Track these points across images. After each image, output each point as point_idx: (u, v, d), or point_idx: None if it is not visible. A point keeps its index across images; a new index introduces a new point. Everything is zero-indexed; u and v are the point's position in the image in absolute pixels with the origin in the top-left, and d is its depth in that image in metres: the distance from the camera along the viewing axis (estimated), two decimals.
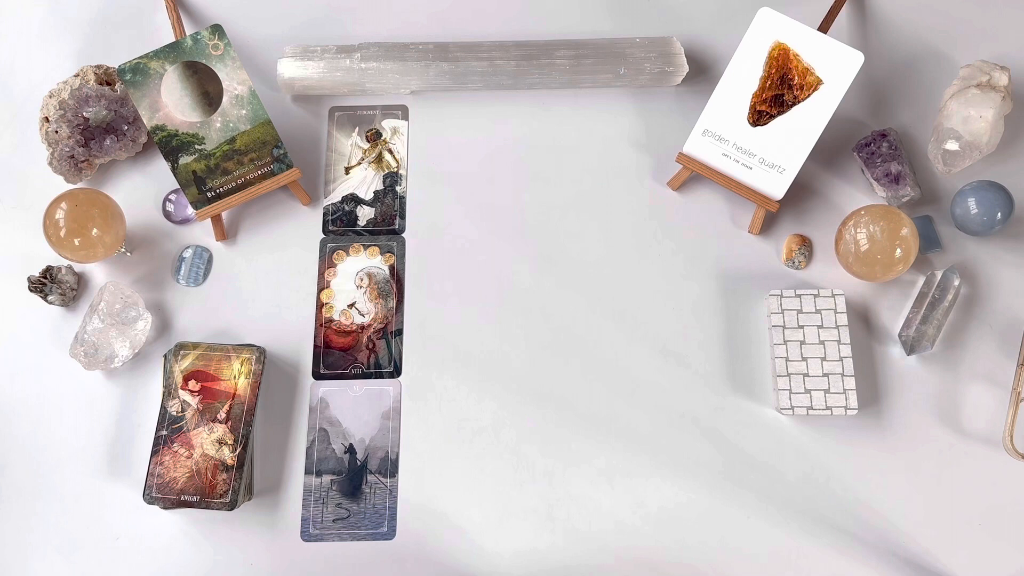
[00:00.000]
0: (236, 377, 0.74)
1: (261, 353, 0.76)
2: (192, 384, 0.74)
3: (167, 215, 0.83)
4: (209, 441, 0.73)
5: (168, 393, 0.74)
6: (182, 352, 0.75)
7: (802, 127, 0.78)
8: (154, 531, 0.74)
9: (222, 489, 0.71)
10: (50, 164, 0.82)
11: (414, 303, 0.80)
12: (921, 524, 0.72)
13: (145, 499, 0.71)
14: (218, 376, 0.74)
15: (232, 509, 0.71)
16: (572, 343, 0.78)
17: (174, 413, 0.73)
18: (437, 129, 0.86)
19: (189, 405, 0.74)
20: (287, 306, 0.80)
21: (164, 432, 0.73)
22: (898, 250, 0.74)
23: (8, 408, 0.78)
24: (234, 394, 0.74)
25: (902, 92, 0.85)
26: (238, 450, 0.72)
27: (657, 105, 0.86)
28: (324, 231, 0.82)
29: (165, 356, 0.75)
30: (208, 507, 0.71)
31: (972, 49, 0.85)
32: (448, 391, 0.77)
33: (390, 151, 0.85)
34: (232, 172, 0.80)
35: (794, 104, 0.78)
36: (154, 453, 0.72)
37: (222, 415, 0.73)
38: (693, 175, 0.81)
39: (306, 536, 0.74)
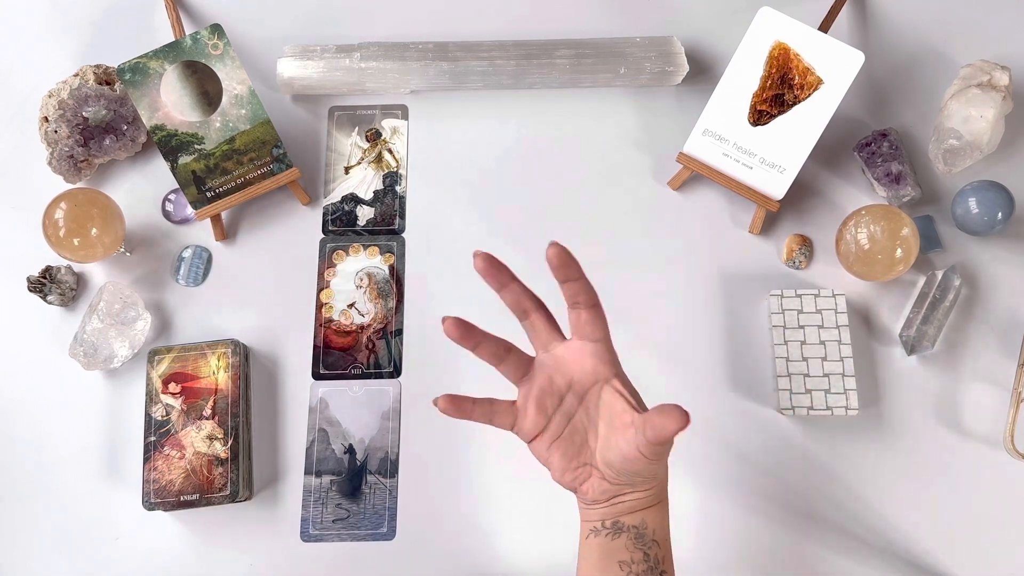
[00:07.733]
0: (215, 372, 0.74)
1: (237, 346, 0.76)
2: (172, 386, 0.74)
3: (166, 215, 0.83)
4: (199, 439, 0.73)
5: (150, 399, 0.74)
6: (157, 357, 0.75)
7: (803, 127, 0.78)
8: (154, 531, 0.74)
9: (220, 483, 0.71)
10: (49, 164, 0.82)
11: (414, 303, 0.80)
12: (921, 524, 0.72)
13: (145, 507, 0.71)
14: (196, 375, 0.74)
15: (234, 500, 0.71)
16: None
17: (159, 418, 0.73)
18: (437, 129, 0.86)
19: (173, 407, 0.73)
20: (287, 306, 0.80)
21: (152, 438, 0.73)
22: (899, 250, 0.74)
23: (8, 408, 0.78)
24: (216, 389, 0.74)
25: (902, 92, 0.85)
26: (229, 442, 0.72)
27: (657, 105, 0.86)
28: (324, 231, 0.82)
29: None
30: (209, 503, 0.71)
31: (972, 49, 0.85)
32: (448, 391, 0.77)
33: (390, 151, 0.85)
34: (231, 172, 0.80)
35: (794, 104, 0.78)
36: (146, 460, 0.72)
37: (207, 411, 0.73)
38: (693, 175, 0.81)
39: (306, 536, 0.74)
